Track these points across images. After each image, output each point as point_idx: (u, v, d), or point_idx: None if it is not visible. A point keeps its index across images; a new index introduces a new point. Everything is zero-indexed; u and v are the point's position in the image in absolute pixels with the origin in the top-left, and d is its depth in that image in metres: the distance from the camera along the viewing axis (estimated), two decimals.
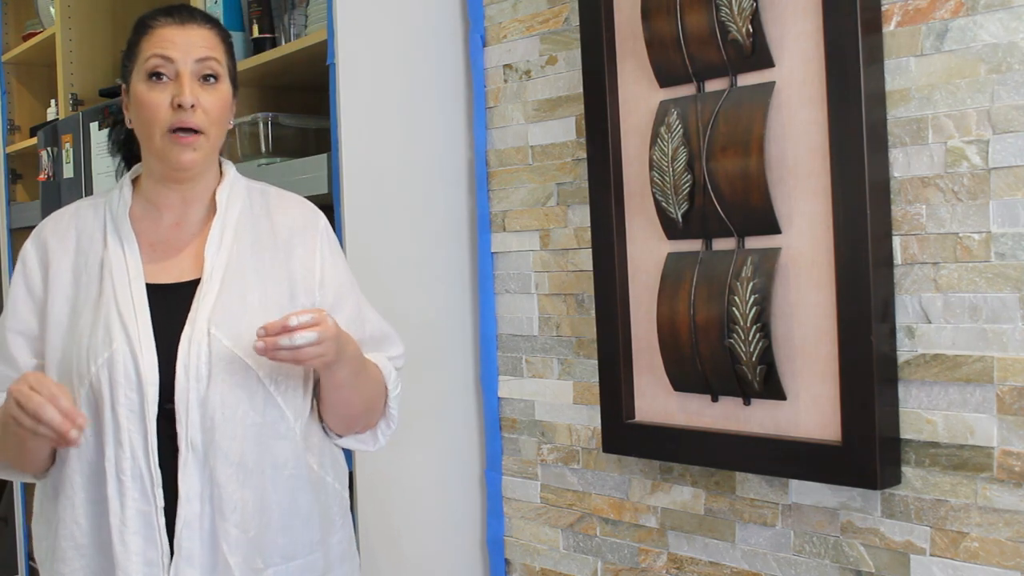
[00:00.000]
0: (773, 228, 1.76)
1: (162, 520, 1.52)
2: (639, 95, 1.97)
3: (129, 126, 1.66)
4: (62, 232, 1.66)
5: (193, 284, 1.61)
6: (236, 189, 1.70)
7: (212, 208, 1.67)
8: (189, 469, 1.52)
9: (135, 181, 1.70)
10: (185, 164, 1.59)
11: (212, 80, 1.60)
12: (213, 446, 1.53)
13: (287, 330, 1.46)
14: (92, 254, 1.63)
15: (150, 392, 1.52)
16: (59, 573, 1.57)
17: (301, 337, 1.47)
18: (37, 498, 1.66)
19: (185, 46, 1.58)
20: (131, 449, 1.52)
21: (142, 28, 1.63)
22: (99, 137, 2.98)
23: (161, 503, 1.52)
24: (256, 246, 1.65)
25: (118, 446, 1.52)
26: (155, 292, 1.60)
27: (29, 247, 1.67)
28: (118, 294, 1.58)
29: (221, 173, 1.71)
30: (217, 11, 2.63)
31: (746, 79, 1.80)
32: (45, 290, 1.63)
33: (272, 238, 1.67)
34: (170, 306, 1.58)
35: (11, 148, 3.97)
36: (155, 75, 1.58)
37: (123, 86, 1.66)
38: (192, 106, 1.55)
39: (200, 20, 1.63)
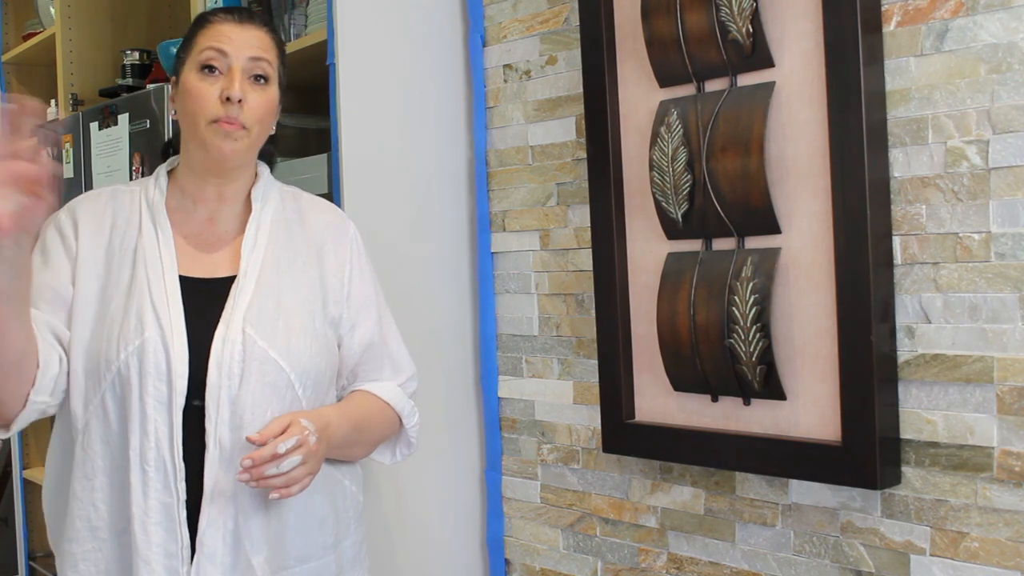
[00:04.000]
0: (773, 228, 1.76)
1: (183, 514, 1.52)
2: (639, 95, 1.97)
3: (174, 117, 1.66)
4: (99, 211, 1.64)
5: (226, 281, 1.61)
6: (270, 190, 1.71)
7: (246, 207, 1.68)
8: (216, 467, 1.52)
9: (170, 173, 1.71)
10: (226, 154, 1.59)
11: (262, 81, 1.61)
12: (241, 445, 1.52)
13: (275, 458, 1.45)
14: (127, 239, 1.62)
15: (179, 384, 1.52)
16: (70, 552, 1.56)
17: (288, 463, 1.46)
18: (49, 473, 1.65)
19: (241, 43, 1.60)
20: (156, 440, 1.51)
21: (201, 22, 1.65)
22: (99, 137, 2.98)
23: (183, 496, 1.52)
24: (290, 248, 1.66)
25: (143, 435, 1.51)
26: (187, 285, 1.59)
27: (63, 216, 1.64)
28: (151, 283, 1.57)
29: (256, 174, 1.72)
30: None
31: (746, 79, 1.80)
32: (76, 260, 1.60)
33: (305, 242, 1.68)
34: (202, 301, 1.58)
35: None
36: (208, 67, 1.59)
37: (172, 78, 1.67)
38: (239, 101, 1.57)
39: (259, 22, 1.65)
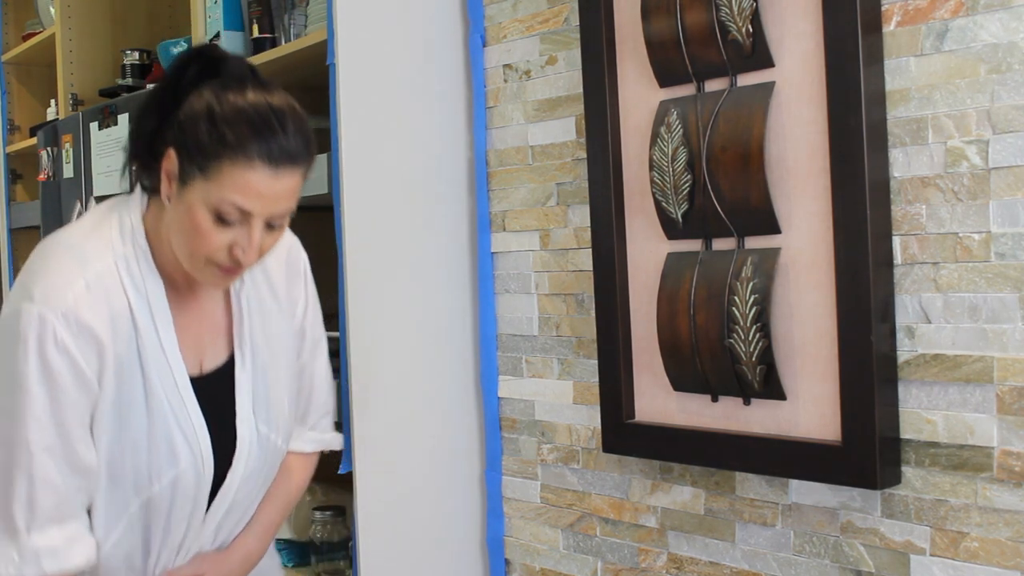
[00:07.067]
0: (773, 228, 1.76)
1: None
2: (639, 95, 1.97)
3: (165, 199, 1.41)
4: (99, 310, 1.38)
5: (226, 368, 1.52)
6: None
7: None
8: (207, 527, 1.53)
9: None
10: (218, 288, 1.49)
11: (279, 225, 1.42)
12: (235, 505, 1.54)
13: None
14: (124, 335, 1.40)
15: (202, 501, 1.49)
16: None
17: None
18: None
19: (270, 200, 1.36)
20: (172, 544, 1.50)
21: (235, 151, 1.34)
22: (99, 137, 2.98)
23: None
24: (265, 310, 1.57)
25: (163, 547, 1.49)
26: (197, 385, 1.48)
27: (60, 330, 1.34)
28: (170, 400, 1.43)
29: None
30: (217, 11, 2.63)
31: (746, 79, 1.80)
32: (99, 382, 1.39)
33: (271, 292, 1.59)
34: (212, 398, 1.49)
35: (11, 148, 3.98)
36: (224, 218, 1.36)
37: (171, 152, 1.39)
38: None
39: (299, 161, 1.39)
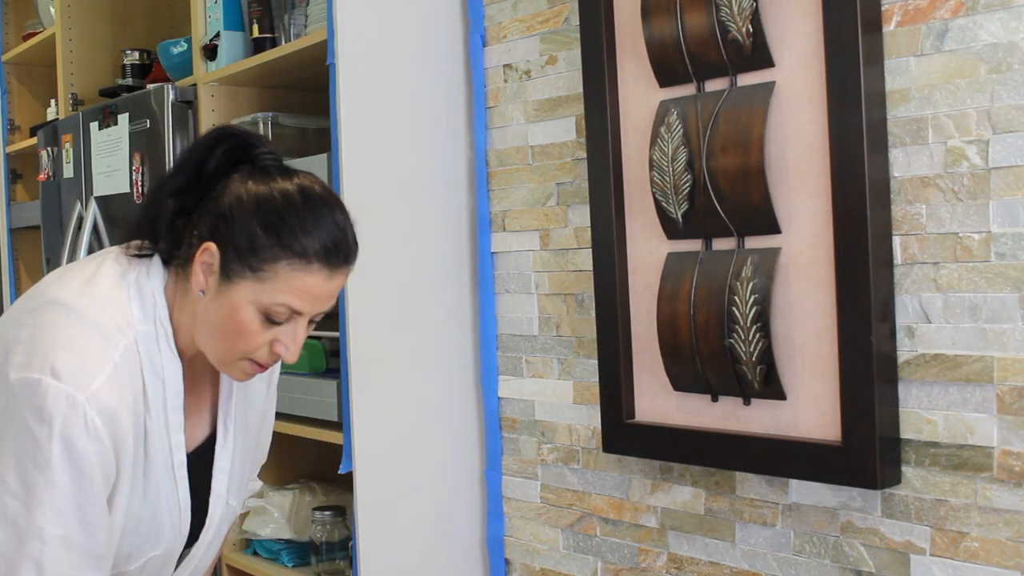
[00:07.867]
0: (773, 228, 1.76)
1: None
2: (639, 95, 1.97)
3: (197, 291, 1.32)
4: (127, 401, 1.30)
5: (206, 444, 1.46)
6: None
7: None
8: None
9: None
10: (244, 380, 1.41)
11: (319, 320, 1.37)
12: (196, 571, 1.53)
13: None
14: (139, 417, 1.33)
15: (169, 570, 1.46)
16: None
17: None
18: None
19: (323, 300, 1.33)
20: None
21: (297, 254, 1.29)
22: (99, 137, 2.98)
23: None
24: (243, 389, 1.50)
25: None
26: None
27: (95, 418, 1.25)
28: (165, 482, 1.37)
29: None
30: (217, 11, 2.64)
31: (746, 79, 1.80)
32: (117, 472, 1.31)
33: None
34: (192, 474, 1.42)
35: (11, 148, 3.98)
36: (273, 318, 1.32)
37: (211, 247, 1.30)
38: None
39: (352, 261, 1.36)
